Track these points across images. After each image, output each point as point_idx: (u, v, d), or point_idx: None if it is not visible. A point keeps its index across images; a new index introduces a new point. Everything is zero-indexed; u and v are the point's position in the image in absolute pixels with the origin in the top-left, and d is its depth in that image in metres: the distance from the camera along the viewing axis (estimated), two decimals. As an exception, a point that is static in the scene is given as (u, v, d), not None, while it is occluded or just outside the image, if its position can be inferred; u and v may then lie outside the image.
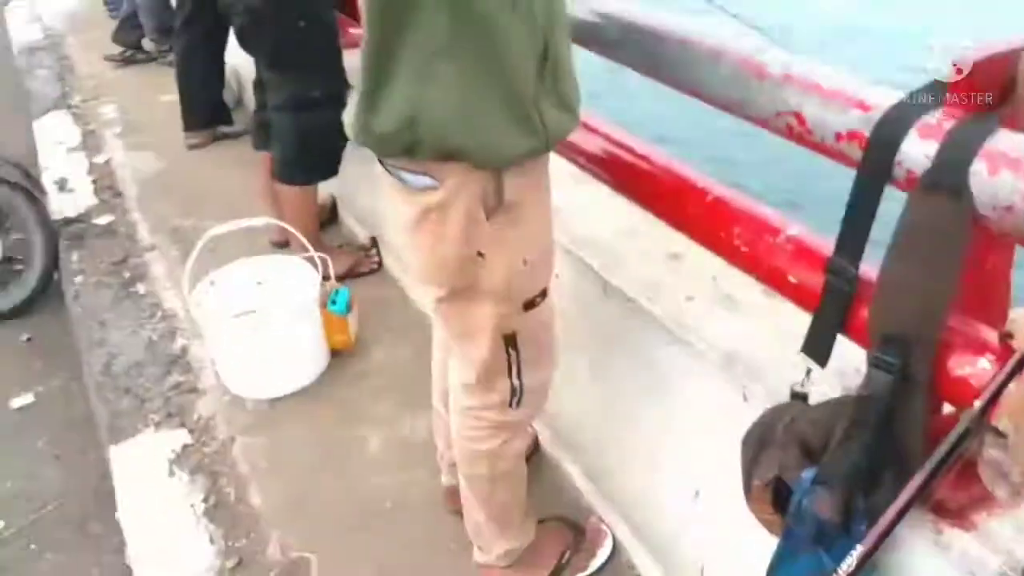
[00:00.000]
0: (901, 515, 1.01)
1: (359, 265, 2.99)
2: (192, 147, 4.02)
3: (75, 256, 3.22)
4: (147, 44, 5.04)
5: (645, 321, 1.72)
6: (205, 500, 2.14)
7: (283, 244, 2.98)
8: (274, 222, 2.69)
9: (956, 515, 1.14)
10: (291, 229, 2.63)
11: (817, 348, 1.25)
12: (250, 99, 3.53)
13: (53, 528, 2.27)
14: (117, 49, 5.10)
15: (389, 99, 1.24)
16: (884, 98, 1.11)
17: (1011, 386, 0.96)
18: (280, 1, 2.46)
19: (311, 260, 2.53)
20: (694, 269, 1.77)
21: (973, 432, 0.98)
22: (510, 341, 1.47)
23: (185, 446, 2.31)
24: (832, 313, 1.21)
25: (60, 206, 3.52)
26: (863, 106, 1.13)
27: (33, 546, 2.22)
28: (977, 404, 0.96)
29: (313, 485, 2.17)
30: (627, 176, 1.71)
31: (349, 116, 1.34)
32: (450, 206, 1.30)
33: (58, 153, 4.06)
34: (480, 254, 1.35)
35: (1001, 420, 0.98)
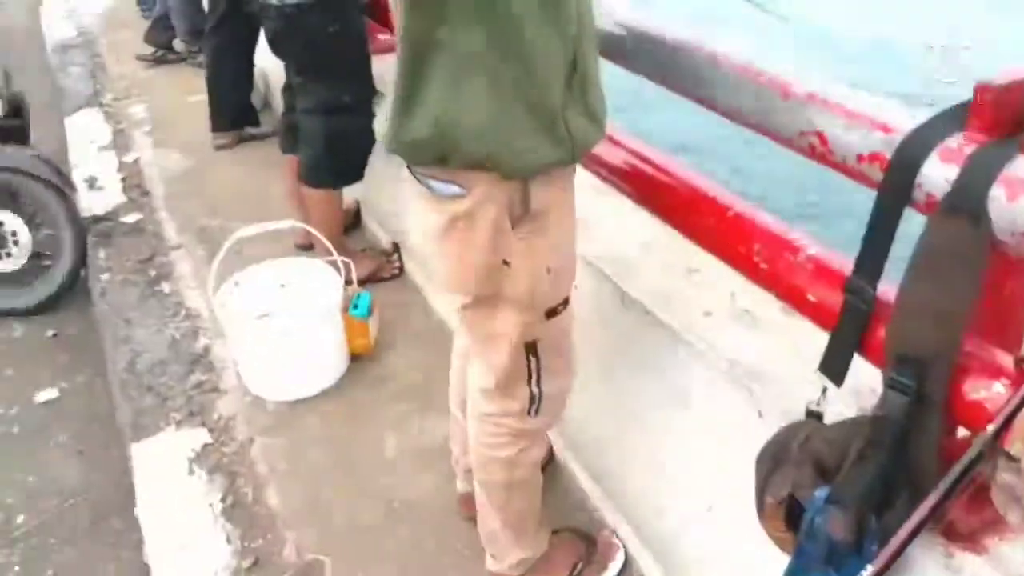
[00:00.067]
0: (912, 536, 1.01)
1: (381, 270, 3.01)
2: (219, 148, 4.07)
3: (102, 253, 3.27)
4: (178, 45, 5.10)
5: (663, 334, 1.73)
6: (223, 500, 2.17)
7: (307, 247, 3.01)
8: (299, 225, 2.72)
9: (968, 538, 1.14)
10: (316, 233, 2.66)
11: (833, 367, 1.25)
12: (277, 102, 3.57)
13: (73, 522, 2.30)
14: (149, 49, 5.16)
15: (421, 108, 1.26)
16: (906, 121, 1.12)
17: (1025, 411, 0.97)
18: (312, 8, 2.49)
19: (334, 264, 2.56)
20: (713, 284, 1.77)
21: (986, 456, 0.98)
22: (531, 349, 1.49)
23: (205, 445, 2.34)
24: (849, 333, 1.22)
25: (89, 203, 3.57)
26: (885, 128, 1.14)
27: (53, 540, 2.25)
28: (990, 428, 0.97)
29: (330, 488, 2.18)
30: (649, 189, 1.72)
31: (382, 124, 1.36)
32: (477, 214, 1.32)
33: (89, 151, 4.12)
34: (505, 262, 1.37)
35: (1014, 445, 0.98)
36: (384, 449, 2.30)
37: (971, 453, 0.99)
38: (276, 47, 2.70)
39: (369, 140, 2.69)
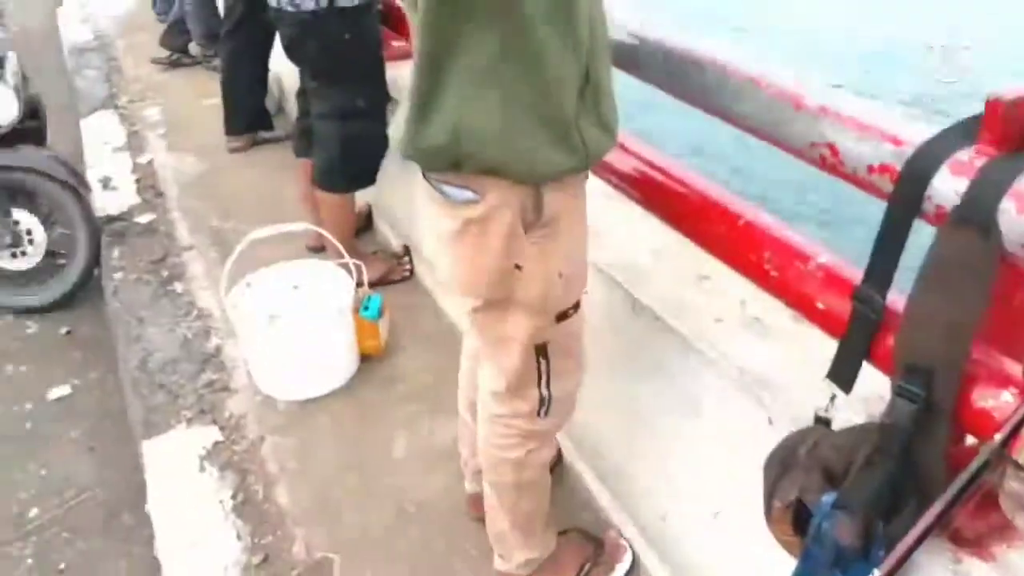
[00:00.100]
0: (919, 542, 1.02)
1: (392, 272, 3.04)
2: (233, 151, 4.10)
3: (116, 253, 3.30)
4: (193, 49, 5.15)
5: (673, 340, 1.74)
6: (233, 497, 2.19)
7: (319, 249, 3.04)
8: (312, 228, 2.75)
9: (975, 544, 1.16)
10: (328, 235, 2.68)
11: (842, 375, 1.27)
12: (291, 106, 3.60)
13: (85, 518, 2.33)
14: (164, 52, 5.21)
15: (438, 115, 1.28)
16: (917, 133, 1.14)
17: (1032, 420, 0.98)
18: (328, 15, 2.52)
19: (346, 266, 2.59)
20: (723, 291, 1.79)
21: (993, 464, 1.00)
22: (541, 351, 1.51)
23: (216, 443, 2.37)
24: (858, 341, 1.23)
25: (103, 203, 3.60)
26: (896, 140, 1.15)
27: (65, 534, 2.28)
28: (998, 437, 0.98)
29: (339, 487, 2.21)
30: (660, 196, 1.74)
31: (397, 131, 1.38)
32: (491, 219, 1.34)
33: (104, 152, 4.16)
34: (518, 266, 1.39)
35: (1021, 454, 1.00)
36: (393, 449, 2.32)
37: (978, 461, 1.00)
38: (291, 52, 2.73)
39: (382, 145, 2.73)
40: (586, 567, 1.88)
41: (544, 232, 1.39)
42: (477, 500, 1.91)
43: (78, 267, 3.18)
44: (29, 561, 2.19)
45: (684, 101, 1.61)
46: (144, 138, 4.35)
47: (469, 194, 1.34)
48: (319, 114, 2.77)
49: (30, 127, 3.15)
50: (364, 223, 3.35)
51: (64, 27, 6.16)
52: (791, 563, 1.22)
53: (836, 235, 4.50)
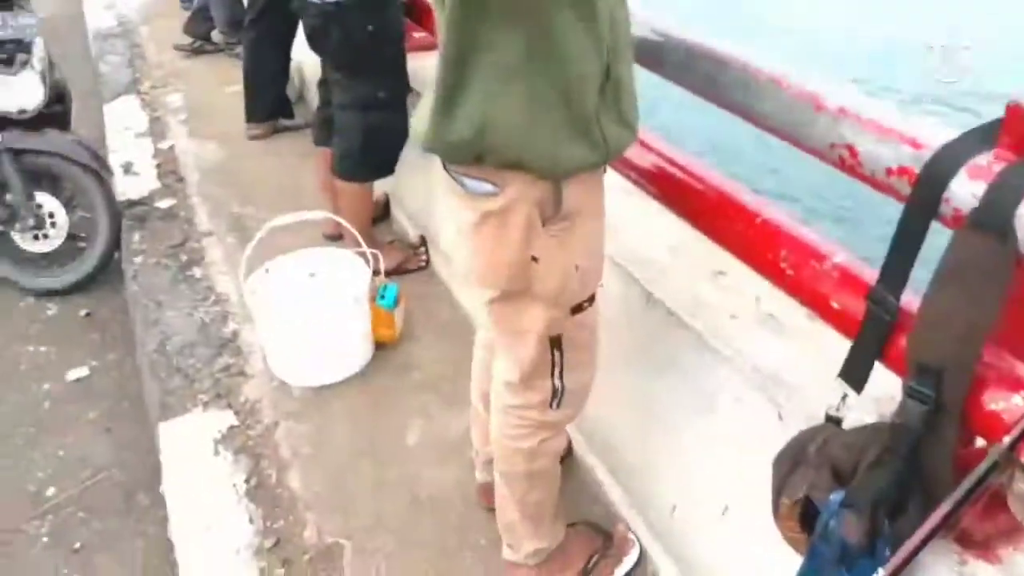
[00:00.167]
0: (925, 542, 1.03)
1: (408, 262, 3.06)
2: (253, 138, 4.13)
3: (136, 237, 3.33)
4: (216, 36, 5.17)
5: (686, 335, 1.75)
6: (247, 481, 2.22)
7: (336, 237, 3.07)
8: (331, 216, 2.77)
9: (981, 546, 1.16)
10: (346, 224, 2.71)
11: (854, 374, 1.27)
12: (312, 95, 3.63)
13: (101, 498, 2.36)
14: (187, 39, 5.24)
15: (463, 109, 1.30)
16: (936, 136, 1.14)
17: (1042, 423, 0.99)
18: (351, 7, 2.53)
19: (363, 255, 2.61)
20: (739, 287, 1.79)
21: (1001, 466, 1.00)
22: (556, 343, 1.52)
23: (231, 427, 2.39)
24: (871, 341, 1.24)
25: (125, 188, 3.64)
26: (915, 144, 1.16)
27: (81, 514, 2.31)
28: (1006, 439, 0.99)
29: (352, 473, 2.23)
30: (677, 192, 1.75)
31: (421, 124, 1.39)
32: (510, 212, 1.36)
33: (126, 137, 4.19)
34: (535, 259, 1.41)
35: (1031, 456, 1.00)
36: (406, 436, 2.34)
37: (986, 463, 1.01)
38: (315, 43, 2.74)
39: (402, 136, 2.74)
40: (594, 559, 1.90)
41: (562, 225, 1.40)
42: (487, 490, 1.93)
43: (98, 250, 3.21)
44: (45, 539, 2.23)
45: (705, 99, 1.62)
46: (166, 124, 4.38)
47: (489, 187, 1.36)
48: (340, 104, 2.79)
49: (56, 112, 3.18)
50: (381, 212, 3.38)
51: (89, 12, 6.21)
52: (797, 560, 1.23)
53: (853, 232, 4.50)
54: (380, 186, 3.14)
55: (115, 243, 3.26)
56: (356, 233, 2.63)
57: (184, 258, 3.21)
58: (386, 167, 2.91)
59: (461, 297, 2.88)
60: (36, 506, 2.33)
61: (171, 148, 4.11)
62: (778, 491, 1.27)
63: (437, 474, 2.21)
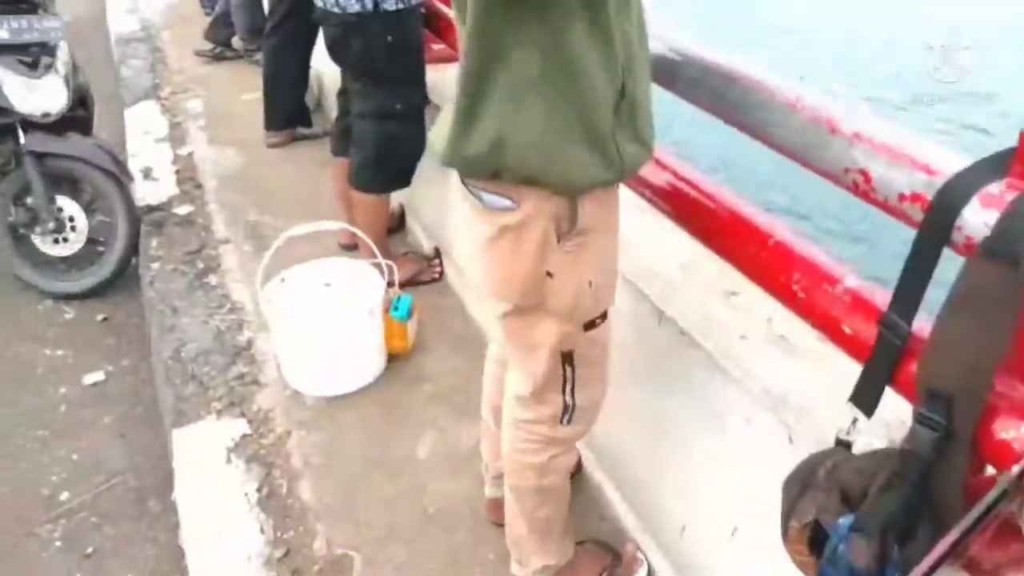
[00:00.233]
0: (934, 569, 1.03)
1: (422, 273, 3.07)
2: (271, 146, 4.16)
3: (154, 243, 3.36)
4: (236, 43, 5.21)
5: (697, 355, 1.75)
6: (259, 490, 2.23)
7: (352, 247, 3.09)
8: (347, 227, 2.79)
9: (991, 574, 1.16)
10: (361, 235, 2.72)
11: (865, 399, 1.27)
12: (330, 104, 3.65)
13: (113, 503, 2.38)
14: (208, 45, 5.28)
15: (481, 124, 1.32)
16: (950, 164, 1.14)
17: (1052, 453, 0.98)
18: (372, 18, 2.55)
19: (378, 266, 2.62)
20: (750, 307, 1.79)
21: (1011, 495, 1.00)
22: (567, 359, 1.53)
23: (244, 436, 2.41)
24: (882, 366, 1.24)
25: (144, 193, 3.67)
26: (928, 170, 1.16)
27: (94, 518, 2.33)
28: (1016, 468, 0.99)
29: (363, 484, 2.24)
30: (691, 211, 1.75)
31: (440, 139, 1.41)
32: (526, 227, 1.37)
33: (146, 142, 4.23)
34: (549, 274, 1.42)
35: (1040, 486, 1.00)
36: (417, 448, 2.35)
37: (996, 491, 1.01)
38: (335, 53, 2.77)
39: (419, 147, 2.76)
40: (602, 576, 1.90)
41: (577, 241, 1.42)
42: (497, 505, 1.93)
43: (117, 255, 3.24)
44: (58, 543, 2.25)
45: (719, 118, 1.63)
46: (185, 130, 4.42)
47: (506, 202, 1.38)
48: (359, 113, 2.81)
49: (78, 116, 3.21)
50: (397, 223, 3.39)
51: (112, 16, 6.27)
52: (806, 584, 1.23)
53: (869, 252, 4.48)
54: (396, 197, 3.16)
55: (133, 248, 3.28)
56: (372, 244, 2.65)
57: (201, 265, 3.23)
58: (403, 178, 2.92)
59: (474, 310, 2.89)
60: (49, 510, 2.35)
61: (190, 154, 4.14)
62: (787, 514, 1.27)
63: (448, 487, 2.22)
